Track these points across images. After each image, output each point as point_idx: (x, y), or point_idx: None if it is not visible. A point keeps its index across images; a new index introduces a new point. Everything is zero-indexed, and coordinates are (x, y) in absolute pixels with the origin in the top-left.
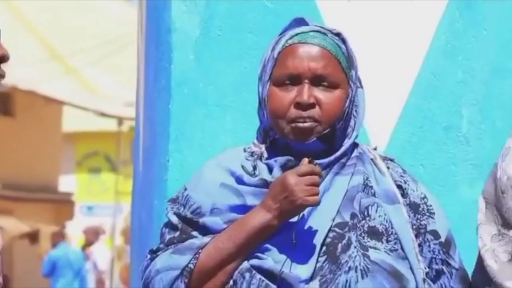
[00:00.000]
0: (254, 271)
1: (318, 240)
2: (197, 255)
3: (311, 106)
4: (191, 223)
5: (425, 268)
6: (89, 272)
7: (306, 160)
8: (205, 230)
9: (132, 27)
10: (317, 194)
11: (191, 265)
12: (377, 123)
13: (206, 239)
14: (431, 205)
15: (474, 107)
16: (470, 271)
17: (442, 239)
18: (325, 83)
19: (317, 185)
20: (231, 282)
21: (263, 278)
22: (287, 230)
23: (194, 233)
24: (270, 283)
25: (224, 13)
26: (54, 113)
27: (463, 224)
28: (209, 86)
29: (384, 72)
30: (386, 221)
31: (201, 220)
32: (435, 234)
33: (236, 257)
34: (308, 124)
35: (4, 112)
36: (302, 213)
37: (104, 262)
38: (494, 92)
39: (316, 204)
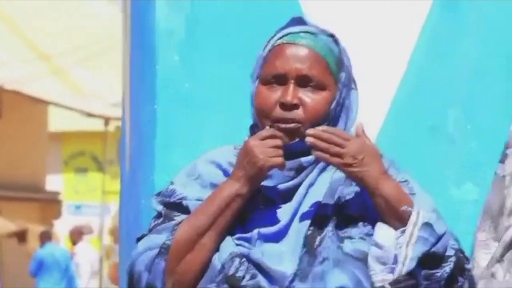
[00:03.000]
0: (244, 258)
1: (301, 234)
2: (173, 232)
3: (295, 107)
4: (174, 206)
5: None
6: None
7: (268, 126)
8: (188, 212)
9: (118, 28)
10: (280, 155)
11: (168, 242)
12: (363, 123)
13: (183, 217)
14: (412, 187)
15: (460, 107)
16: None
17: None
18: (311, 85)
19: (279, 147)
20: (219, 265)
21: (251, 266)
22: (274, 223)
23: (177, 217)
24: (257, 272)
25: (209, 14)
26: (40, 113)
27: (449, 224)
28: (195, 87)
29: (370, 72)
30: (363, 207)
31: (184, 202)
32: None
33: (209, 229)
34: (290, 126)
35: None
36: (291, 210)
37: (87, 262)
38: (479, 92)
39: (280, 165)
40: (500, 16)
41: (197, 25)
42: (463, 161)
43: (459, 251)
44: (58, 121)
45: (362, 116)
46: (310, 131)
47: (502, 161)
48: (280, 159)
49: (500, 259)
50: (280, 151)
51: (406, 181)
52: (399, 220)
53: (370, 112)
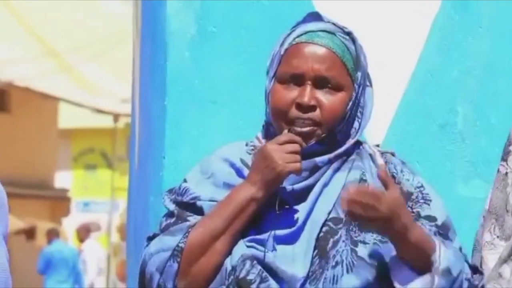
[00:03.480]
0: (255, 261)
1: (313, 236)
2: (187, 234)
3: (312, 108)
4: (187, 206)
5: None
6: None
7: (286, 130)
8: (201, 213)
9: (128, 24)
10: (298, 161)
11: (181, 244)
12: (373, 120)
13: (196, 220)
14: (427, 193)
15: (469, 105)
16: None
17: (439, 222)
18: (328, 86)
19: (297, 152)
20: (229, 267)
21: (262, 269)
22: (286, 226)
23: (190, 218)
24: (268, 275)
25: (219, 10)
26: (50, 110)
27: (458, 221)
28: (204, 83)
29: (380, 69)
30: None
31: (198, 202)
32: (430, 218)
33: (223, 232)
34: (306, 129)
35: (0, 108)
36: (304, 211)
37: (95, 260)
38: (489, 90)
39: (298, 170)
40: (511, 13)
41: (207, 22)
42: (472, 158)
43: (471, 278)
44: (67, 117)
45: (372, 113)
46: (344, 195)
47: (504, 158)
48: (298, 165)
49: (507, 259)
50: (298, 157)
51: (421, 186)
52: (420, 265)
53: (380, 109)
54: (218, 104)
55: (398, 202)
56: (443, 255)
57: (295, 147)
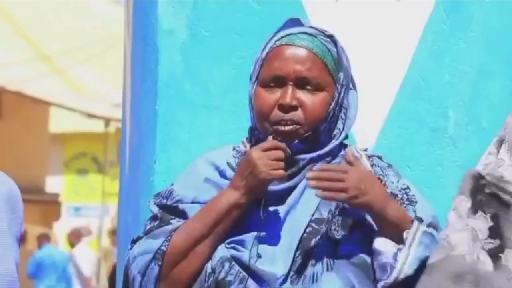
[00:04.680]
0: (233, 262)
1: (296, 236)
2: (169, 238)
3: (294, 108)
4: (170, 210)
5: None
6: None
7: (270, 137)
8: (184, 216)
9: (120, 28)
10: (281, 168)
11: (163, 248)
12: (364, 124)
13: (179, 223)
14: (413, 195)
15: (460, 109)
16: None
17: (425, 224)
18: (309, 86)
19: (281, 160)
20: (209, 269)
21: (241, 269)
22: (268, 226)
23: (173, 221)
24: (246, 275)
25: (211, 14)
26: (41, 114)
27: None
28: (196, 87)
29: (371, 73)
30: (361, 213)
31: (180, 205)
32: (417, 219)
33: (206, 237)
34: (289, 127)
35: None
36: (286, 212)
37: (86, 265)
38: (480, 94)
39: (281, 177)
40: (502, 17)
41: (199, 26)
42: (463, 162)
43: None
44: (59, 122)
45: (363, 117)
46: (309, 174)
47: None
48: (281, 172)
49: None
50: (282, 164)
51: (407, 188)
52: (402, 241)
53: (371, 113)
54: (209, 108)
55: (367, 175)
56: (423, 226)
57: (279, 154)
